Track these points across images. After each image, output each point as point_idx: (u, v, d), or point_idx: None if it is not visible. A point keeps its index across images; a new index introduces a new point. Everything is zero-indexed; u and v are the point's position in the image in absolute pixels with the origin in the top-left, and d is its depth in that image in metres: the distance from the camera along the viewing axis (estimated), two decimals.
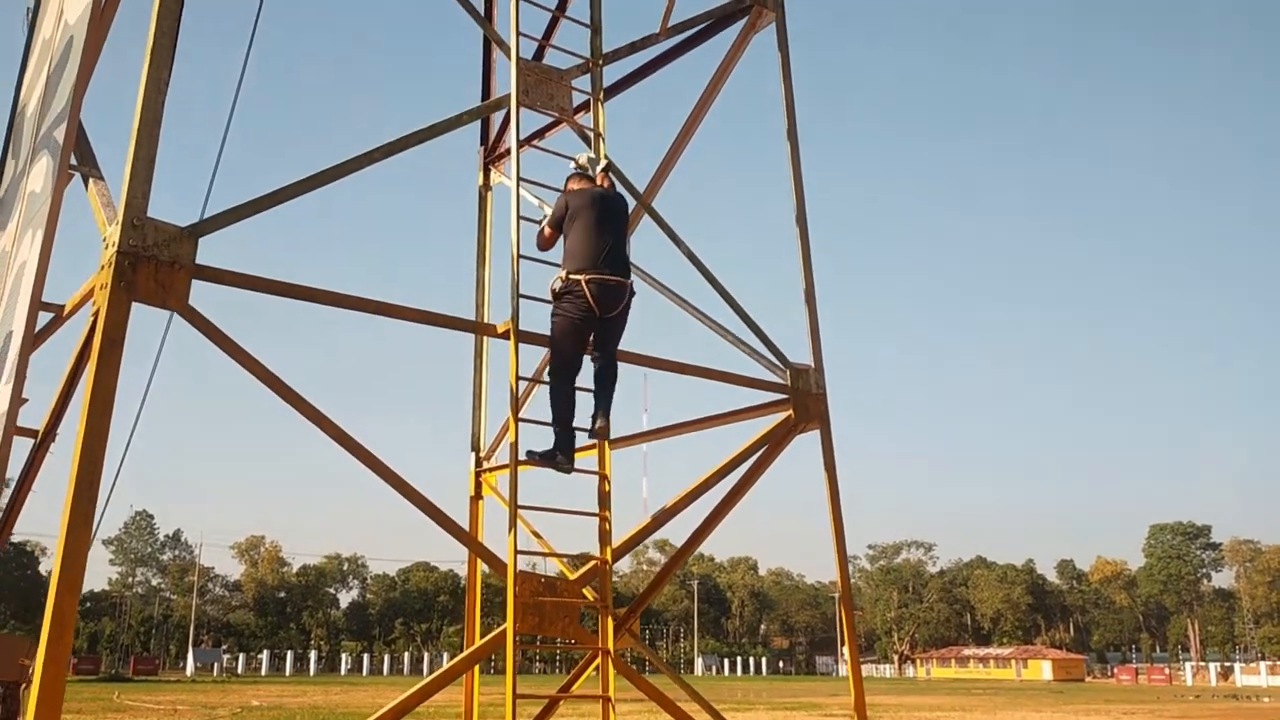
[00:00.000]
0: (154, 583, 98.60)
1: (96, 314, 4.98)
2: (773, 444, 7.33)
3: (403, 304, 5.86)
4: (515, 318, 6.14)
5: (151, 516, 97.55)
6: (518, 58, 6.67)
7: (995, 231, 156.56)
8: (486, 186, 9.88)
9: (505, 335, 6.19)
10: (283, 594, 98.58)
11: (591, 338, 6.30)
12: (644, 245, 7.57)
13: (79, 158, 6.10)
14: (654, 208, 7.34)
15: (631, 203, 6.97)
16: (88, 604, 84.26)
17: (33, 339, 5.49)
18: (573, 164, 6.64)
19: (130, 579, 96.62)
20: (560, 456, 6.19)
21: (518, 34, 6.68)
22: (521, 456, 6.01)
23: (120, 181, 5.16)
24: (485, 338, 9.22)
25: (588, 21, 7.18)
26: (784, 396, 7.37)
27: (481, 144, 9.88)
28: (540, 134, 8.77)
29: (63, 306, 6.18)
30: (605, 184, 6.67)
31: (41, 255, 5.58)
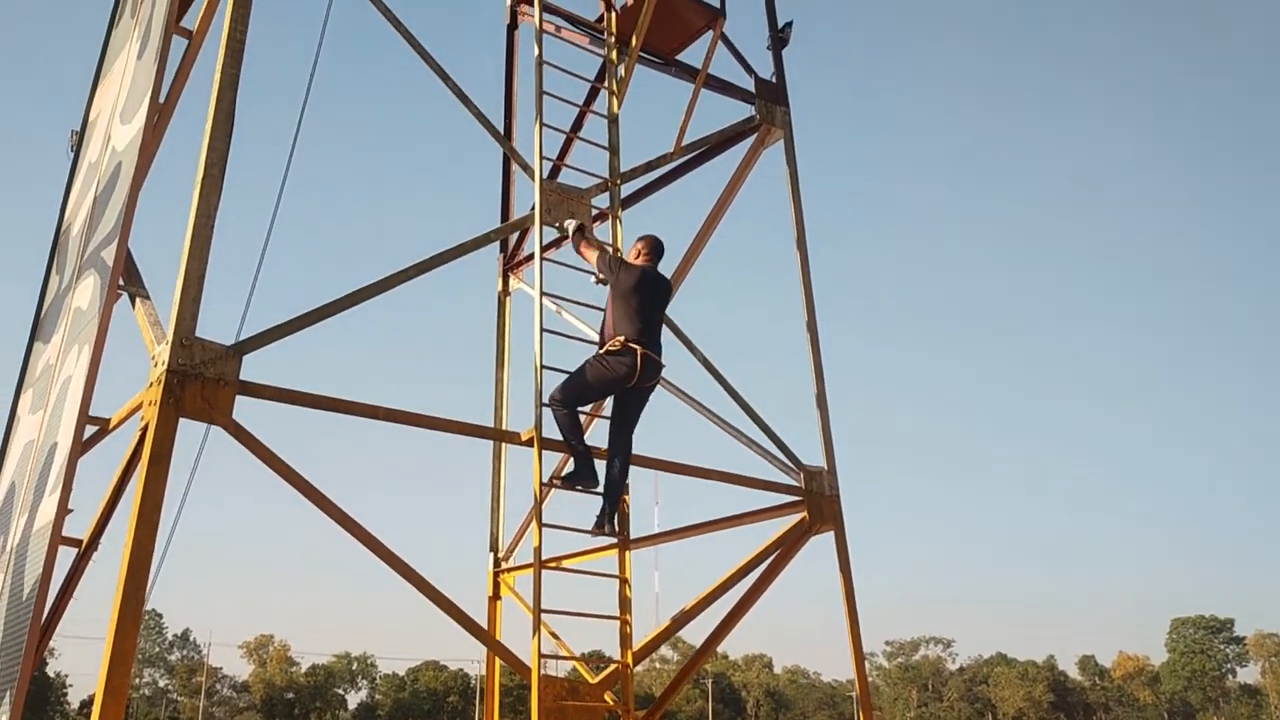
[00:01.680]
0: (161, 684, 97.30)
1: (145, 428, 5.25)
2: (787, 546, 7.51)
3: (429, 414, 6.12)
4: (539, 426, 6.40)
5: (160, 616, 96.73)
6: (541, 179, 7.05)
7: (1007, 313, 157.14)
8: (505, 292, 10.22)
9: (529, 443, 6.44)
10: (291, 695, 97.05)
11: (614, 401, 6.75)
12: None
13: (126, 278, 6.44)
14: (668, 315, 7.63)
15: None
16: (88, 709, 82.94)
17: (80, 451, 5.75)
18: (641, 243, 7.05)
19: (138, 679, 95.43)
20: (588, 475, 6.58)
21: (540, 158, 7.07)
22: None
23: (167, 301, 5.48)
24: (502, 444, 9.48)
25: (605, 144, 7.57)
26: (798, 499, 7.57)
27: (501, 251, 10.25)
28: (558, 243, 9.14)
29: (108, 420, 6.46)
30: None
31: (90, 371, 5.88)
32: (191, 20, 7.20)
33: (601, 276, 6.82)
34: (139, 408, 5.58)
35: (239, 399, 5.44)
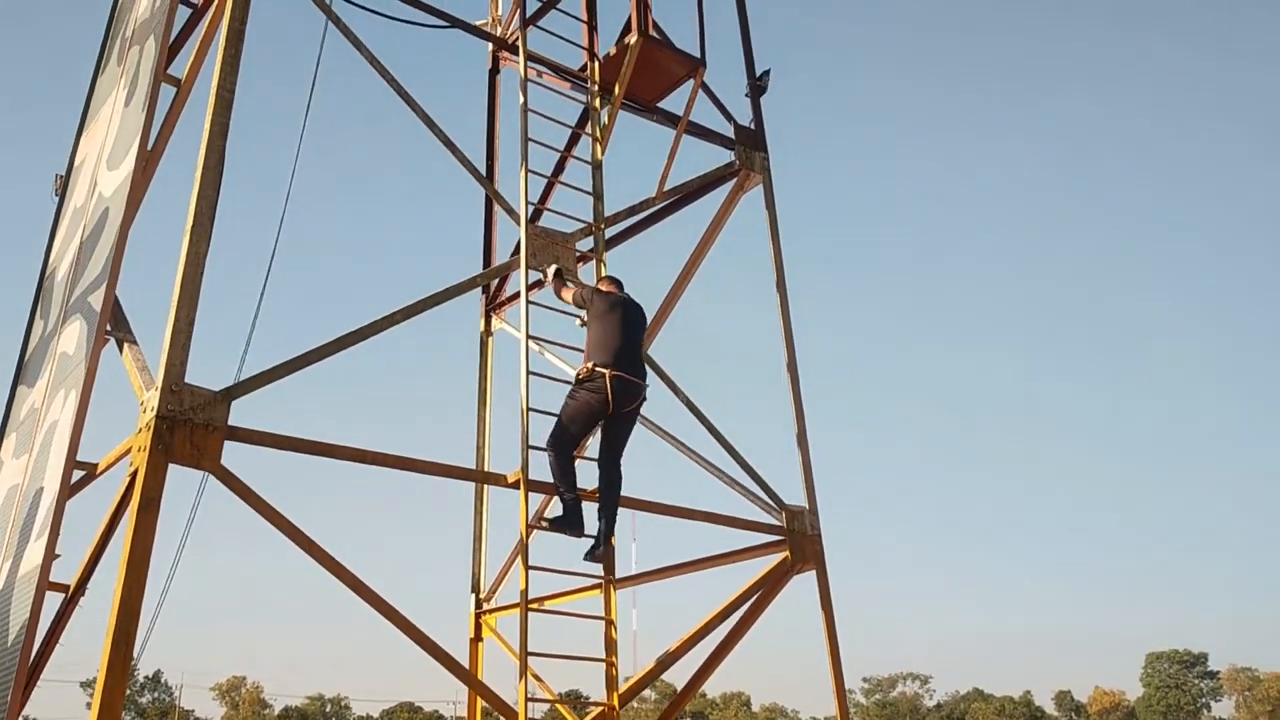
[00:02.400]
0: None
1: (134, 474, 5.28)
2: (770, 585, 7.58)
3: (415, 457, 6.18)
4: (525, 468, 6.46)
5: (133, 658, 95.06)
6: (526, 224, 7.16)
7: (990, 361, 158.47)
8: (487, 332, 10.30)
9: (515, 485, 6.50)
10: None
11: (600, 430, 6.77)
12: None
13: (113, 323, 6.48)
14: (650, 355, 7.74)
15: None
16: None
17: (67, 496, 5.77)
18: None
19: None
20: (575, 521, 6.54)
21: (526, 203, 7.19)
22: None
23: (155, 346, 5.53)
24: (484, 485, 9.53)
25: (589, 189, 7.70)
26: (780, 538, 7.64)
27: (483, 293, 10.34)
28: (541, 285, 9.25)
29: (95, 464, 6.47)
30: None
31: (78, 416, 5.91)
32: (180, 68, 7.29)
33: (576, 303, 6.92)
34: (127, 452, 5.61)
35: (226, 444, 5.48)
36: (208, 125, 5.97)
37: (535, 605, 6.35)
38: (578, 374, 6.68)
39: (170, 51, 7.40)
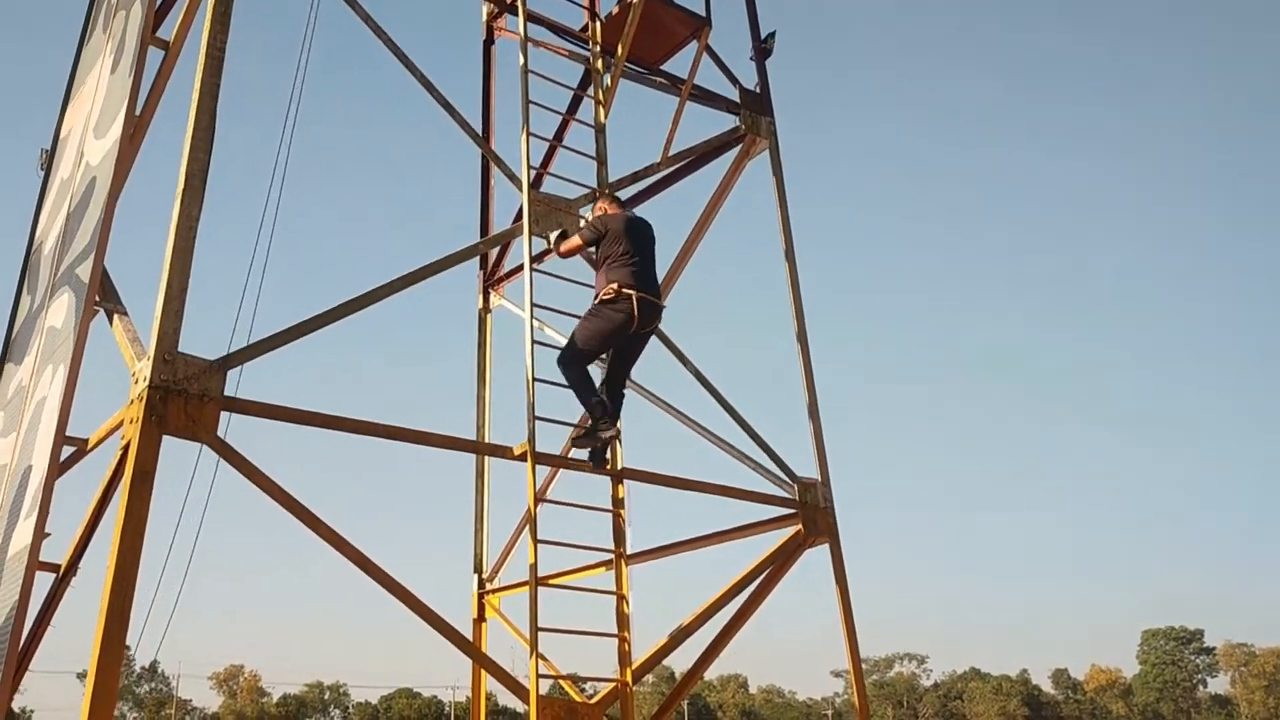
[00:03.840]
0: (130, 718, 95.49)
1: (126, 447, 5.06)
2: (783, 560, 7.38)
3: (418, 429, 5.96)
4: (531, 440, 6.25)
5: (128, 647, 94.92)
6: (529, 189, 6.93)
7: (995, 329, 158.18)
8: (486, 309, 10.08)
9: (522, 458, 6.29)
10: None
11: (612, 349, 6.72)
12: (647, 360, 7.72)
13: (102, 294, 6.25)
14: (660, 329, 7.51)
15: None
16: None
17: (57, 472, 5.55)
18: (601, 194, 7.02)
19: None
20: (605, 423, 6.49)
21: (529, 168, 6.96)
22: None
23: (146, 317, 5.31)
24: (486, 459, 9.33)
25: (592, 154, 7.46)
26: (792, 511, 7.45)
27: (481, 268, 10.11)
28: (541, 257, 9.03)
29: (86, 440, 6.25)
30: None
31: (66, 390, 5.68)
32: (167, 31, 7.03)
33: (589, 239, 6.74)
34: (119, 426, 5.39)
35: (223, 416, 5.26)
36: (198, 85, 5.73)
37: (550, 582, 6.14)
38: (600, 294, 6.58)
39: (158, 15, 7.15)
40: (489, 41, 10.33)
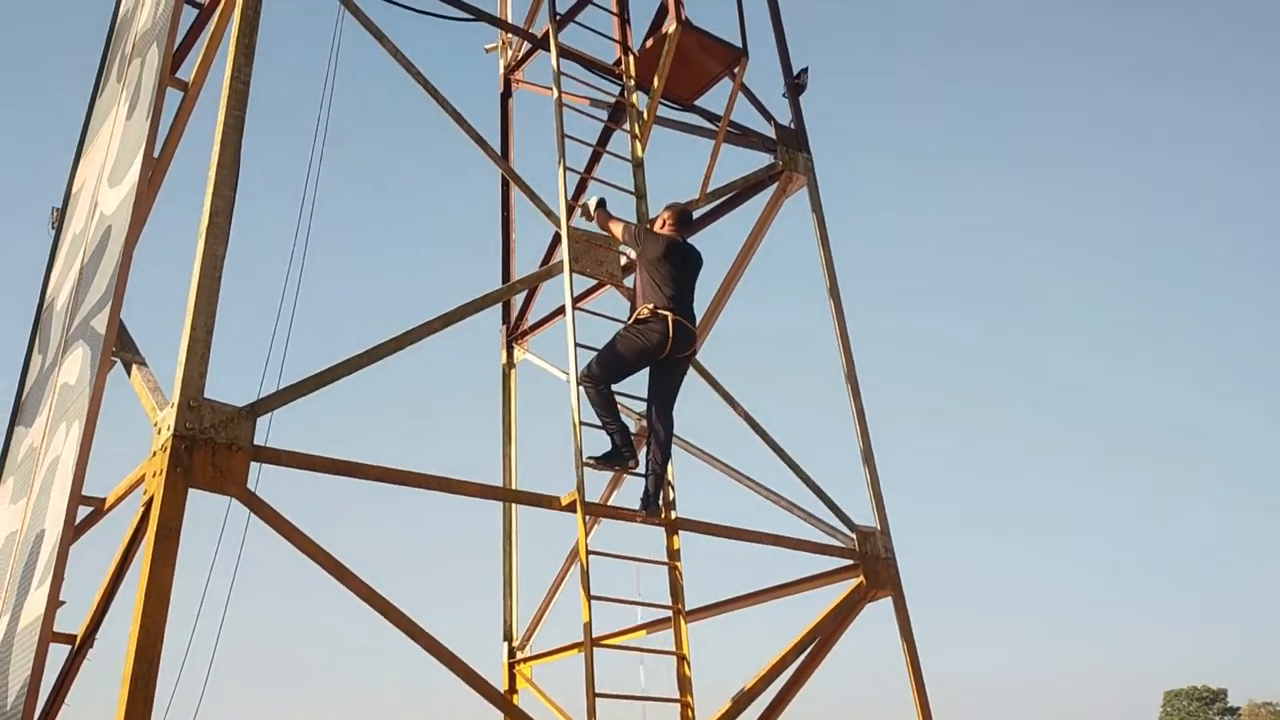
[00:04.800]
0: None
1: (149, 503, 4.64)
2: (844, 615, 6.91)
3: (460, 478, 5.55)
4: (581, 487, 5.82)
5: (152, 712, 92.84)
6: (568, 226, 6.59)
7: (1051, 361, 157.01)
8: (510, 364, 9.72)
9: (570, 508, 5.85)
10: None
11: (650, 377, 6.44)
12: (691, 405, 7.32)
13: (119, 345, 5.88)
14: (703, 364, 7.14)
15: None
16: None
17: (72, 535, 5.12)
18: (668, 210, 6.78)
19: None
20: (625, 452, 6.23)
21: (566, 205, 6.63)
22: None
23: (167, 367, 4.94)
24: (514, 517, 8.88)
25: (631, 190, 7.15)
26: (852, 563, 6.99)
27: (504, 322, 9.78)
28: (581, 298, 8.70)
29: (102, 500, 5.82)
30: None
31: (82, 446, 5.28)
32: (187, 72, 6.75)
33: (622, 238, 6.60)
34: (139, 482, 4.97)
35: (252, 466, 4.85)
36: (221, 118, 5.42)
37: (600, 643, 5.66)
38: (635, 316, 6.34)
39: (176, 58, 6.89)
40: (506, 95, 10.11)
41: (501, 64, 10.24)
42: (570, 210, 6.65)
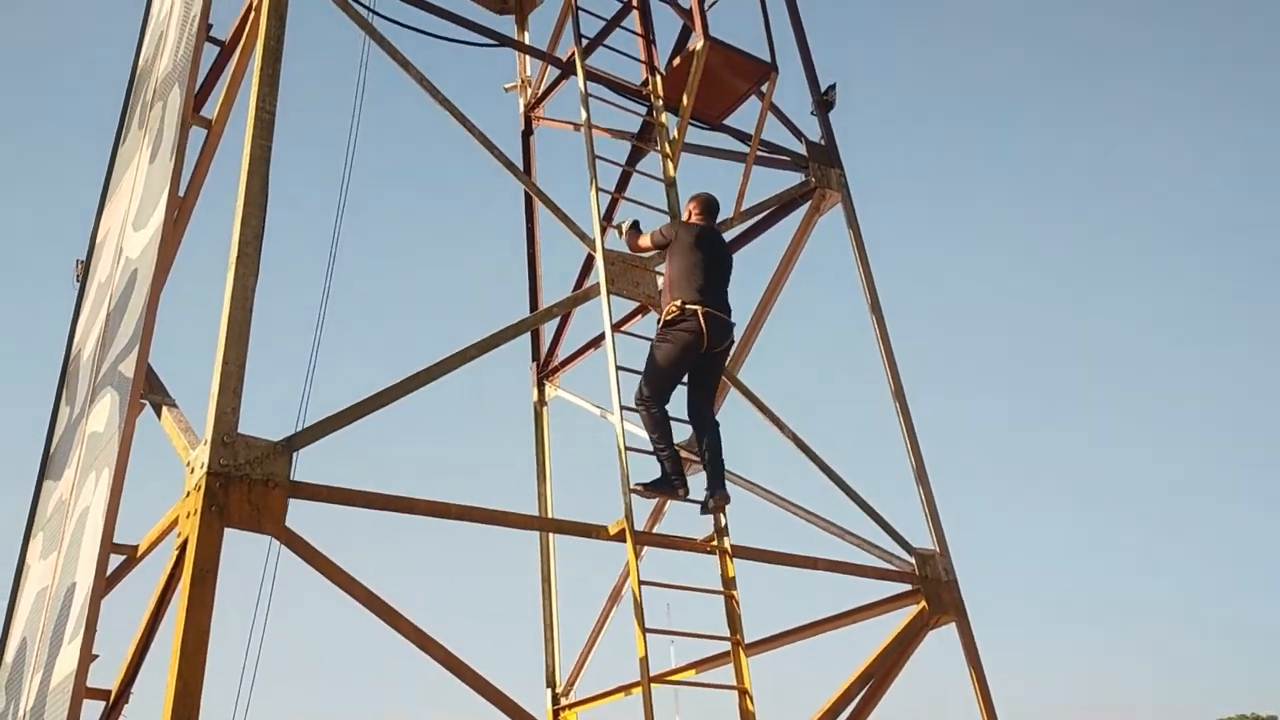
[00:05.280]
0: None
1: (184, 546, 4.43)
2: (906, 643, 6.61)
3: (504, 509, 5.32)
4: (629, 515, 5.57)
5: None
6: (603, 248, 6.41)
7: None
8: (541, 402, 9.50)
9: (619, 537, 5.60)
10: None
11: (687, 378, 6.21)
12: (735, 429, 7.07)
13: (148, 388, 5.71)
14: (746, 385, 6.91)
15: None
16: None
17: (104, 587, 4.91)
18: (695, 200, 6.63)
19: None
20: (675, 480, 5.96)
21: (602, 226, 6.46)
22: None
23: (199, 408, 4.76)
24: (551, 555, 8.61)
25: (665, 209, 6.97)
26: (913, 587, 6.69)
27: (534, 359, 9.59)
28: (620, 324, 8.52)
29: (135, 547, 5.62)
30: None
31: (112, 493, 5.08)
32: (211, 111, 6.65)
33: (657, 243, 6.41)
34: (173, 525, 4.77)
35: (291, 503, 4.63)
36: (247, 150, 5.28)
37: (660, 679, 5.38)
38: (663, 316, 6.10)
39: (199, 97, 6.79)
40: (527, 133, 10.01)
41: (521, 102, 10.15)
42: (604, 230, 6.46)
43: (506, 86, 10.38)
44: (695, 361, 6.06)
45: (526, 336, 9.54)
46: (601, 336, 8.91)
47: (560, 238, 8.05)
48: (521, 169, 9.92)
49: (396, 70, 6.03)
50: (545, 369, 9.50)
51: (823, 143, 8.15)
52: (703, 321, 5.93)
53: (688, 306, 5.97)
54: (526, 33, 10.30)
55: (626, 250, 6.60)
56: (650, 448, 5.95)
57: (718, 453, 6.08)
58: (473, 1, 9.80)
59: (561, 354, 9.46)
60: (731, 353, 6.31)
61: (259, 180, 5.20)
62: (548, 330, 9.57)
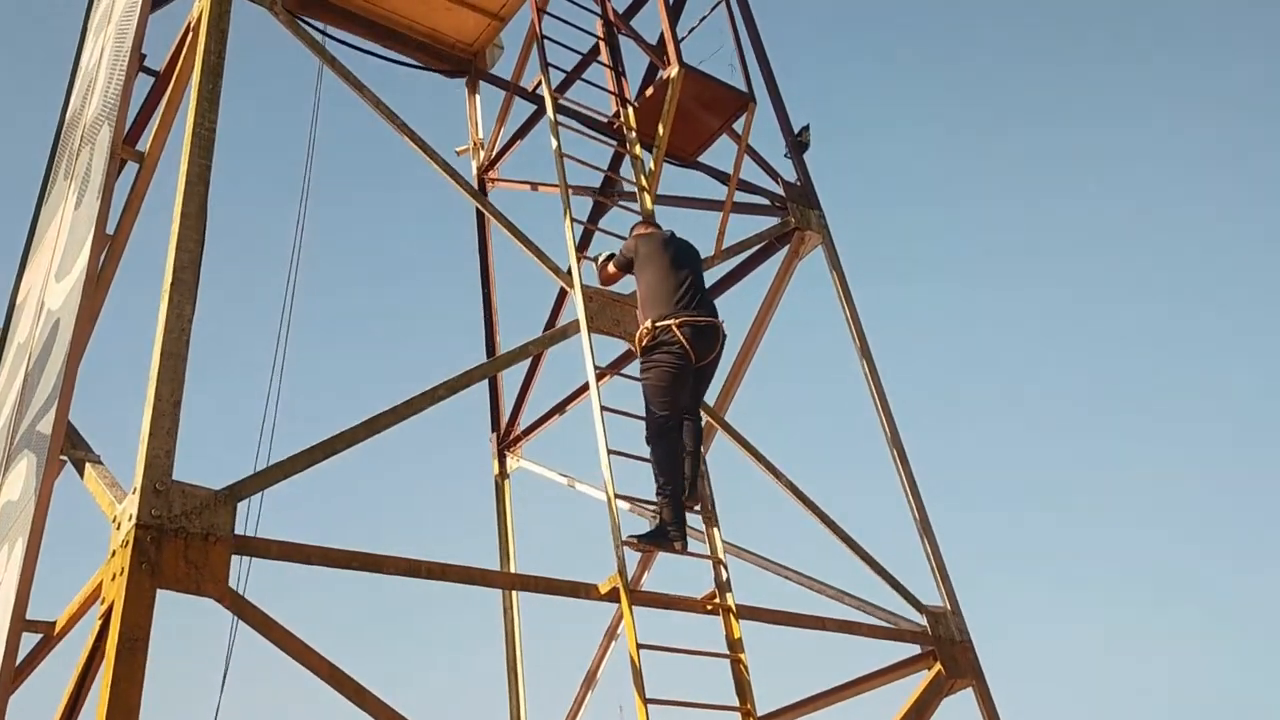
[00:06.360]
0: None
1: (108, 612, 3.73)
2: (921, 711, 5.99)
3: (486, 567, 4.68)
4: (622, 571, 4.94)
5: None
6: (580, 285, 5.89)
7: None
8: (503, 474, 8.86)
9: (611, 596, 4.96)
10: None
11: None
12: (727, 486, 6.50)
13: (68, 443, 5.02)
14: (739, 432, 6.36)
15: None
16: None
17: (13, 673, 4.17)
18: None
19: None
20: (672, 532, 5.35)
21: (579, 259, 5.95)
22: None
23: (127, 464, 4.11)
24: (516, 622, 7.91)
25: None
26: (926, 649, 6.11)
27: (493, 430, 8.98)
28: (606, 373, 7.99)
29: (53, 624, 4.86)
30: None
31: (25, 563, 4.35)
32: (144, 144, 6.08)
33: (623, 265, 5.94)
34: (96, 593, 4.06)
35: (234, 559, 3.96)
36: (184, 168, 4.73)
37: None
38: (638, 340, 5.60)
39: (131, 133, 6.23)
40: (482, 192, 9.56)
41: (474, 165, 9.73)
42: (580, 262, 5.96)
43: (459, 150, 9.96)
44: (690, 375, 5.56)
45: (486, 403, 8.99)
46: (568, 400, 8.40)
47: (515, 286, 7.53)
48: (476, 231, 9.49)
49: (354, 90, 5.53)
50: (506, 439, 8.89)
51: (798, 185, 7.77)
52: (680, 336, 5.44)
53: (659, 324, 5.48)
54: (478, 96, 9.96)
55: (602, 286, 6.10)
56: (640, 497, 5.36)
57: (694, 483, 5.60)
58: (425, 69, 9.43)
59: (524, 421, 8.89)
60: (721, 353, 5.77)
61: (197, 201, 4.63)
62: (508, 396, 9.01)
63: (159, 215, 5.43)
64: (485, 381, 9.04)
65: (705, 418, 5.95)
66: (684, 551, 5.40)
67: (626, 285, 6.15)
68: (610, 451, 5.32)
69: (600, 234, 7.01)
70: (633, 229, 6.19)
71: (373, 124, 5.54)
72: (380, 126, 5.56)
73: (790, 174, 7.82)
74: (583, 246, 6.38)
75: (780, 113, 8.06)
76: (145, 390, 4.11)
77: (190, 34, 5.52)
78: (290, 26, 5.65)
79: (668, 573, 6.46)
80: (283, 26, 5.62)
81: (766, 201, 7.55)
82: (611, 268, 5.98)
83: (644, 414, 5.56)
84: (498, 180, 9.57)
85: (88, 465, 4.79)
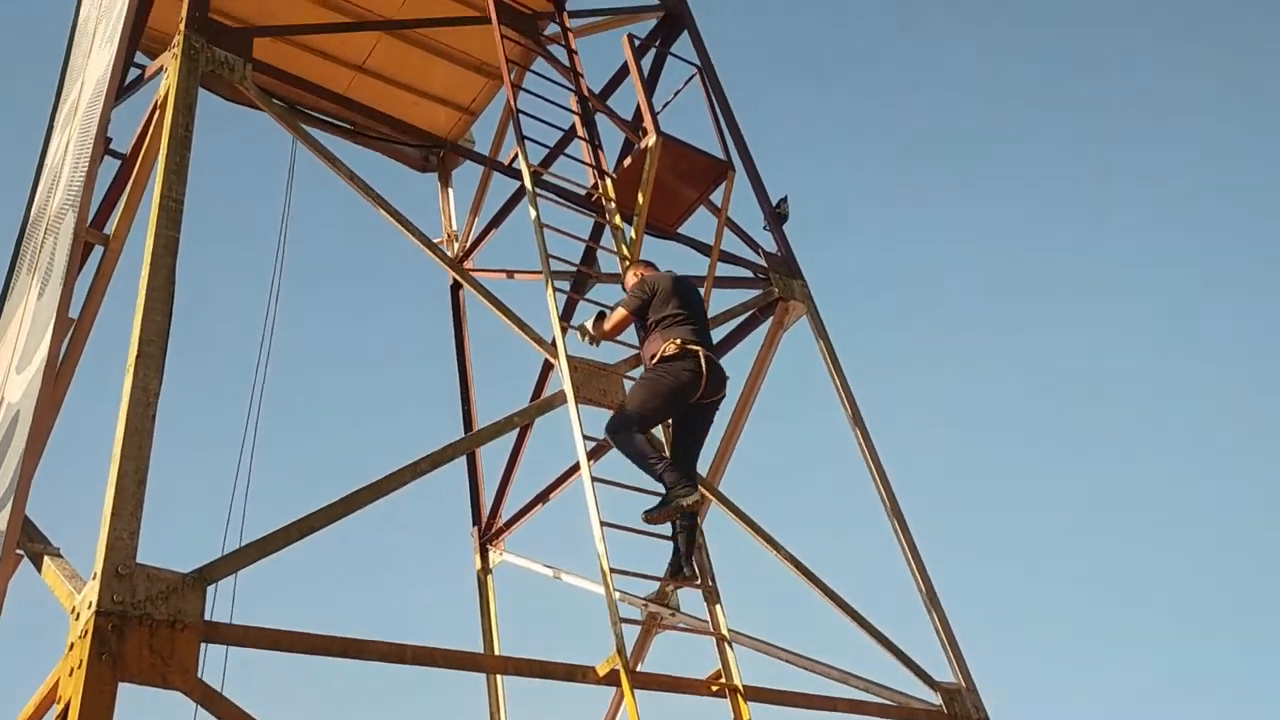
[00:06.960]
0: None
1: (64, 713, 3.41)
2: None
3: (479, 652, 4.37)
4: (621, 650, 4.63)
5: None
6: (565, 354, 5.69)
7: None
8: (485, 570, 8.56)
9: (610, 680, 4.64)
10: None
11: (673, 426, 5.66)
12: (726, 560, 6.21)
13: (25, 536, 4.72)
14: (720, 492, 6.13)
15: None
16: None
17: None
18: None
19: None
20: (680, 490, 5.18)
21: (564, 327, 5.77)
22: None
23: (87, 556, 3.83)
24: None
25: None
26: None
27: (475, 523, 8.72)
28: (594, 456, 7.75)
29: None
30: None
31: None
32: (110, 227, 5.90)
33: (635, 306, 5.71)
34: (53, 691, 3.73)
35: (204, 648, 3.66)
36: (150, 240, 4.56)
37: None
38: (659, 353, 5.43)
39: (97, 218, 6.05)
40: (456, 287, 9.45)
41: (450, 254, 9.65)
42: (564, 331, 5.77)
43: (434, 242, 9.91)
44: (685, 407, 5.45)
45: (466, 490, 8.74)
46: (551, 488, 8.14)
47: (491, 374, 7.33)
48: (452, 321, 9.35)
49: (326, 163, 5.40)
50: (488, 532, 8.61)
51: (779, 255, 7.68)
52: (704, 365, 5.35)
53: (689, 346, 5.38)
54: (451, 189, 9.92)
55: (586, 355, 5.91)
56: (636, 571, 5.10)
57: (692, 534, 5.47)
58: (395, 160, 9.38)
59: (506, 511, 8.63)
60: (719, 404, 5.68)
61: (164, 272, 4.44)
62: (489, 484, 8.78)
63: (127, 300, 5.24)
64: (465, 472, 8.83)
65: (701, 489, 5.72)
66: (699, 507, 5.35)
67: (613, 354, 5.99)
68: (603, 524, 5.06)
69: (584, 303, 6.85)
70: (632, 271, 6.11)
71: (347, 206, 5.42)
72: (353, 209, 5.43)
73: (771, 244, 7.74)
74: (565, 317, 6.22)
75: (757, 185, 8.02)
76: (108, 470, 3.82)
77: (157, 111, 5.39)
78: (260, 100, 5.53)
79: (665, 652, 6.12)
80: (255, 100, 5.50)
81: (749, 273, 7.44)
82: (622, 310, 5.76)
83: (617, 417, 5.41)
84: (473, 271, 9.46)
85: (45, 558, 4.47)
